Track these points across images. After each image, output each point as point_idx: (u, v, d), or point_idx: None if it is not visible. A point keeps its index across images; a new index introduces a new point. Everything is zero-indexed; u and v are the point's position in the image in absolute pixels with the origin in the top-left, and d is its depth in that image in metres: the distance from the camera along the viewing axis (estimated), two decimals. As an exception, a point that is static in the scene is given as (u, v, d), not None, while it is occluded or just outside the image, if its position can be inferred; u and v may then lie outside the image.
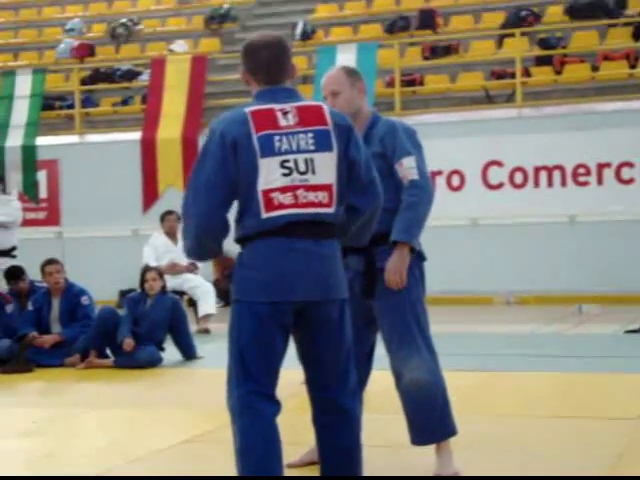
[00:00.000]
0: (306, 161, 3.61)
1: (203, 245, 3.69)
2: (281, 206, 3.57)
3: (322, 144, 3.64)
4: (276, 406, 3.63)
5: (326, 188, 3.64)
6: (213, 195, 3.59)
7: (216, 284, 11.27)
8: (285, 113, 3.64)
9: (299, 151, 3.60)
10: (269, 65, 3.73)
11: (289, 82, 3.76)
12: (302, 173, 3.60)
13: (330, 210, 3.65)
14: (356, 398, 3.81)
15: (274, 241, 3.58)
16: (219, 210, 3.61)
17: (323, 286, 3.63)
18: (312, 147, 3.62)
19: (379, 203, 3.81)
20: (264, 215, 3.57)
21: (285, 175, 3.58)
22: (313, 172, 3.61)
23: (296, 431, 4.63)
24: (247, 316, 3.60)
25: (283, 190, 3.57)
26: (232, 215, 3.69)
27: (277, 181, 3.57)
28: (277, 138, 3.59)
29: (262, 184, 3.56)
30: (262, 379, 3.60)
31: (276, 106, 3.65)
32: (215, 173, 3.58)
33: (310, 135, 3.63)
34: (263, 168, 3.56)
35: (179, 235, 11.10)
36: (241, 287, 3.63)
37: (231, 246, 3.79)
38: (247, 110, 3.63)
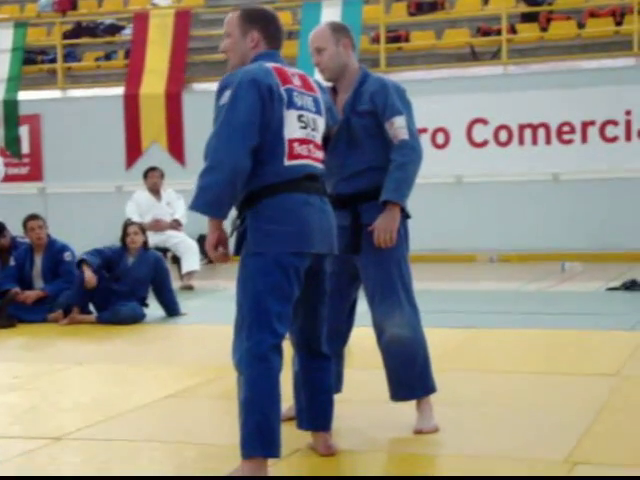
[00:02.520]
0: (313, 120, 3.92)
1: (233, 193, 3.72)
2: (300, 156, 3.83)
3: (317, 108, 3.96)
4: (281, 359, 3.78)
5: (322, 149, 3.99)
6: (248, 138, 3.70)
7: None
8: (293, 74, 3.92)
9: (308, 110, 3.90)
10: (282, 34, 4.03)
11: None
12: (312, 130, 3.90)
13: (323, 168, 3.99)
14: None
15: (295, 196, 3.79)
16: (251, 154, 3.71)
17: (330, 240, 3.92)
18: (314, 109, 3.93)
19: None
20: (286, 163, 3.79)
21: (302, 128, 3.85)
22: (317, 131, 3.94)
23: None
24: (271, 267, 3.73)
25: (301, 142, 3.84)
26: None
27: (297, 132, 3.83)
28: (296, 94, 3.86)
29: (287, 133, 3.79)
30: (277, 328, 3.73)
31: (285, 67, 3.92)
32: (252, 117, 3.71)
33: (311, 99, 3.94)
34: (287, 119, 3.80)
35: (162, 191, 11.06)
36: (264, 239, 3.75)
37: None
38: (268, 65, 3.84)
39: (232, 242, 3.90)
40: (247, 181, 3.75)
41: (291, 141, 3.80)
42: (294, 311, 3.87)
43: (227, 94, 3.75)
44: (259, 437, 3.67)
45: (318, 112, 3.96)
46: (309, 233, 3.80)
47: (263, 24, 3.96)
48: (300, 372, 4.06)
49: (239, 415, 3.73)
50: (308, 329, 4.01)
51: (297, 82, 3.90)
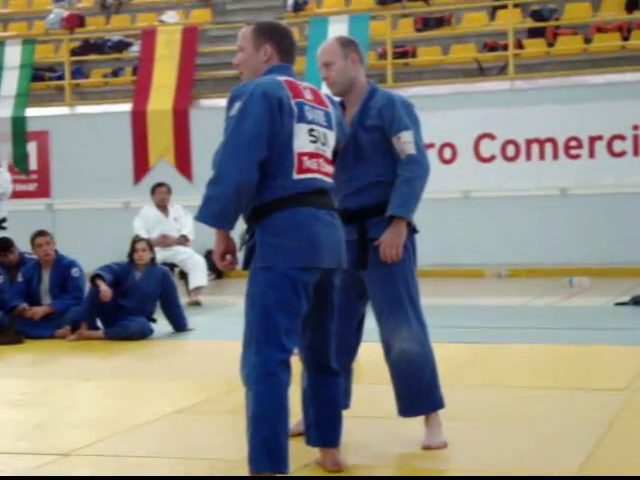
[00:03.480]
0: (324, 134, 3.91)
1: (239, 205, 3.73)
2: (309, 170, 3.82)
3: (329, 123, 3.95)
4: (290, 375, 3.76)
5: (332, 163, 3.99)
6: (255, 151, 3.69)
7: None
8: (305, 88, 3.92)
9: (319, 124, 3.89)
10: (294, 48, 4.07)
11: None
12: (323, 144, 3.90)
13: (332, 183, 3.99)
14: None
15: (304, 210, 3.77)
16: (257, 168, 3.70)
17: (339, 254, 3.90)
18: (325, 124, 3.92)
19: None
20: (295, 176, 3.78)
21: (312, 142, 3.85)
22: (327, 146, 3.93)
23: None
24: (280, 282, 3.72)
25: (310, 156, 3.83)
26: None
27: (307, 146, 3.82)
28: (307, 108, 3.85)
29: (297, 146, 3.79)
30: (286, 343, 3.72)
31: (297, 81, 3.92)
32: (260, 130, 3.70)
33: (322, 113, 3.93)
34: (298, 132, 3.79)
35: (170, 207, 11.07)
36: (273, 254, 3.74)
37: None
38: (281, 78, 3.84)
39: (241, 256, 3.89)
40: (256, 194, 3.75)
41: (301, 155, 3.79)
42: (303, 326, 3.85)
43: (237, 106, 3.75)
44: (267, 452, 3.65)
45: (329, 126, 3.95)
46: (318, 248, 3.78)
47: (276, 38, 3.97)
48: (308, 388, 4.04)
49: (247, 430, 3.72)
50: (317, 345, 3.98)
51: (309, 96, 3.89)
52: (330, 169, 3.96)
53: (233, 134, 3.72)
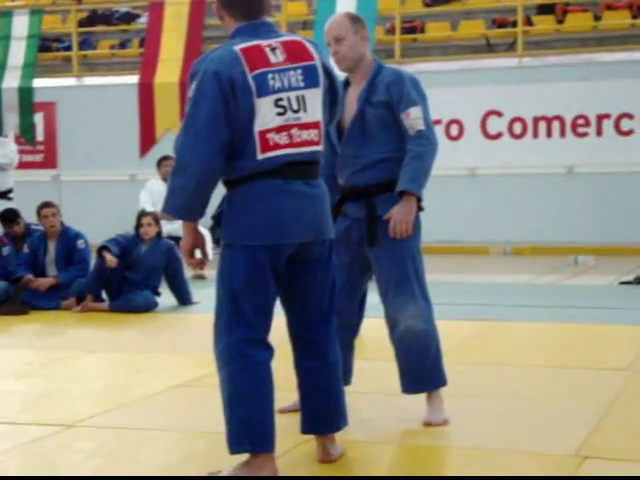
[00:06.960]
0: (297, 99, 3.57)
1: (202, 195, 3.55)
2: (277, 146, 3.54)
3: (310, 80, 3.61)
4: (269, 351, 3.63)
5: (316, 126, 3.64)
6: (215, 137, 3.47)
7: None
8: (273, 49, 3.58)
9: (290, 88, 3.56)
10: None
11: (267, 17, 3.69)
12: (295, 111, 3.56)
13: (320, 148, 3.66)
14: (335, 344, 3.80)
15: (268, 183, 3.54)
16: (221, 153, 3.50)
17: (315, 227, 3.64)
18: (302, 84, 3.59)
19: None
20: (260, 156, 3.52)
21: (280, 114, 3.54)
22: (305, 110, 3.59)
23: (288, 376, 4.64)
24: (242, 260, 3.55)
25: (278, 130, 3.54)
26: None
27: (273, 121, 3.53)
28: (270, 76, 3.53)
29: (258, 125, 3.51)
30: (256, 323, 3.57)
31: (263, 42, 3.58)
32: (216, 113, 3.47)
33: (299, 71, 3.59)
34: (260, 108, 3.51)
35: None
36: (235, 230, 3.58)
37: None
38: (236, 48, 3.55)
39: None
40: (224, 172, 3.57)
41: (264, 132, 3.52)
42: (285, 303, 3.74)
43: (193, 86, 3.54)
44: (247, 434, 3.52)
45: (309, 85, 3.60)
46: (282, 223, 3.55)
47: (224, 1, 3.67)
48: (295, 371, 3.82)
49: (224, 412, 3.60)
50: (297, 319, 3.75)
51: (276, 58, 3.55)
52: (312, 134, 3.60)
53: (190, 119, 3.51)
